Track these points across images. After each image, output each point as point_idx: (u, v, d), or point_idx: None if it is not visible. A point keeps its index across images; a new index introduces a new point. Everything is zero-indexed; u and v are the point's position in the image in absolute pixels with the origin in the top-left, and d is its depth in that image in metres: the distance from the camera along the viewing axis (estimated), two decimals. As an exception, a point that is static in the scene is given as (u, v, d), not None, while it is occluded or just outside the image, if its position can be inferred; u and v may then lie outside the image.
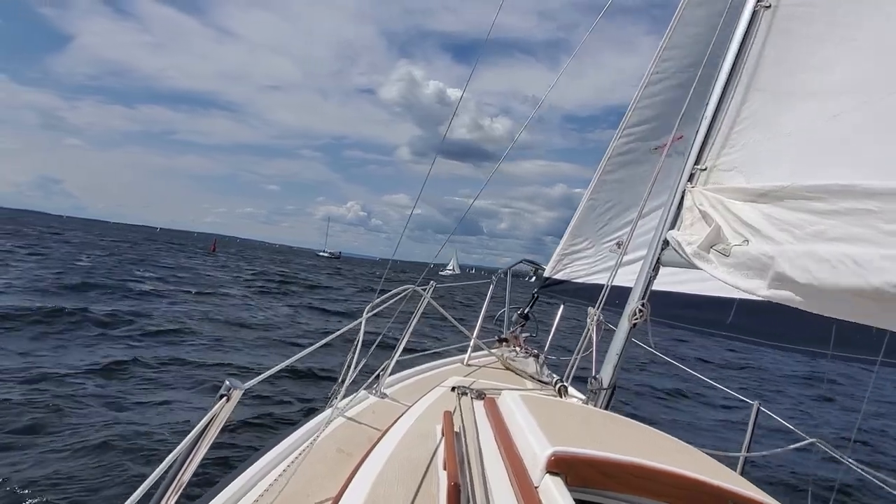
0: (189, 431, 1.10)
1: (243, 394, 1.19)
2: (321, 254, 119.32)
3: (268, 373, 1.46)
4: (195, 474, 1.10)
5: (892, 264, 1.53)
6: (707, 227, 2.30)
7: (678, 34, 3.62)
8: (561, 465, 1.35)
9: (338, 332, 2.07)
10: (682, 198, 2.58)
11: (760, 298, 1.95)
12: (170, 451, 1.08)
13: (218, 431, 1.14)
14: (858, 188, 1.70)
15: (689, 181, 2.58)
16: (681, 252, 2.35)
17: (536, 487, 1.32)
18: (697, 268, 2.26)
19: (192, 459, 1.10)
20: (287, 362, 1.68)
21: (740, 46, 2.56)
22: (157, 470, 1.05)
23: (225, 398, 1.13)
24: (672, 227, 2.59)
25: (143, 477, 1.10)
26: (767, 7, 2.48)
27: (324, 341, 1.89)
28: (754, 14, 2.52)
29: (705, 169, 2.55)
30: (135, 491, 1.05)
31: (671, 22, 3.64)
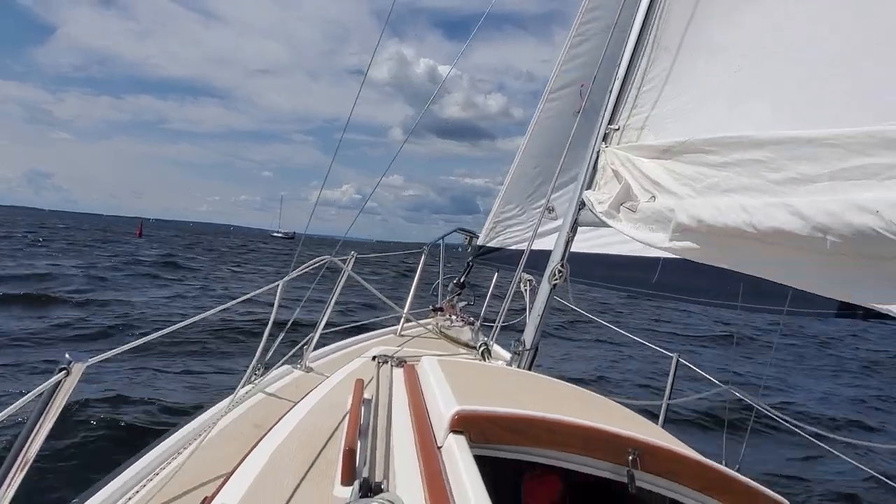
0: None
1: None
2: (275, 234, 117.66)
3: (120, 349, 1.35)
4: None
5: (777, 211, 1.58)
6: (618, 186, 2.33)
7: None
8: (464, 423, 1.32)
9: (245, 297, 1.99)
10: (598, 158, 2.60)
11: (663, 252, 1.99)
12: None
13: (60, 410, 1.03)
14: (747, 139, 1.74)
15: (603, 141, 2.61)
16: (593, 211, 2.38)
17: (440, 448, 1.29)
18: (608, 226, 2.29)
19: (32, 440, 0.99)
20: (144, 339, 1.49)
21: (649, 7, 2.58)
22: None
23: (65, 372, 1.03)
24: (589, 187, 2.61)
25: None
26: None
27: (225, 305, 1.82)
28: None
29: (618, 129, 2.58)
30: None
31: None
